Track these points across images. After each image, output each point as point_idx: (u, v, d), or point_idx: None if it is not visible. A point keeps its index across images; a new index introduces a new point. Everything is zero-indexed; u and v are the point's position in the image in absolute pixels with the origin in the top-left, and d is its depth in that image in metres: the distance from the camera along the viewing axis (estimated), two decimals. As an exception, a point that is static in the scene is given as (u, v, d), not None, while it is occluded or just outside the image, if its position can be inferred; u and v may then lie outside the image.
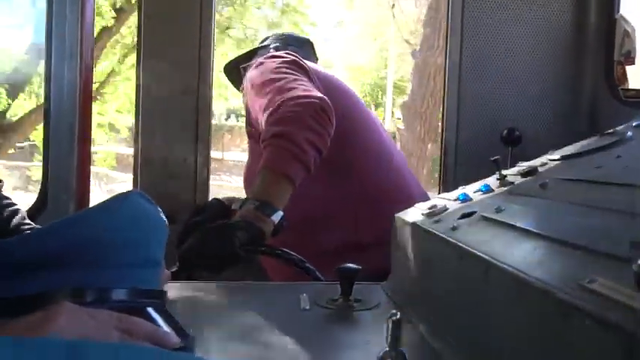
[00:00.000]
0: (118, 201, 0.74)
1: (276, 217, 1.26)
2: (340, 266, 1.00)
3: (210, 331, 0.86)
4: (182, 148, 1.89)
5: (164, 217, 0.80)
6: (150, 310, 0.75)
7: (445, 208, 0.98)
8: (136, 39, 1.93)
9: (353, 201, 1.52)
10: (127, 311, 0.69)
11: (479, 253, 0.69)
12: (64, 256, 0.69)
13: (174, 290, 1.04)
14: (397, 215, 1.10)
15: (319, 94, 1.40)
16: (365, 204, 1.52)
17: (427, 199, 1.74)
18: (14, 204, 1.11)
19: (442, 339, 0.77)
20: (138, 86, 1.90)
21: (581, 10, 1.92)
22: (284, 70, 1.52)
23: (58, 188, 1.68)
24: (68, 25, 1.71)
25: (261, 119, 1.43)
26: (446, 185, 1.93)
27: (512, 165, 1.80)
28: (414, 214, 1.05)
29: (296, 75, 1.52)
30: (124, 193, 0.76)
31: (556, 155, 1.04)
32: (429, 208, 0.99)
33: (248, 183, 1.64)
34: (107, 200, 0.75)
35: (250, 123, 1.60)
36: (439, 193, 1.96)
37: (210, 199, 1.93)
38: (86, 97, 1.73)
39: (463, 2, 1.91)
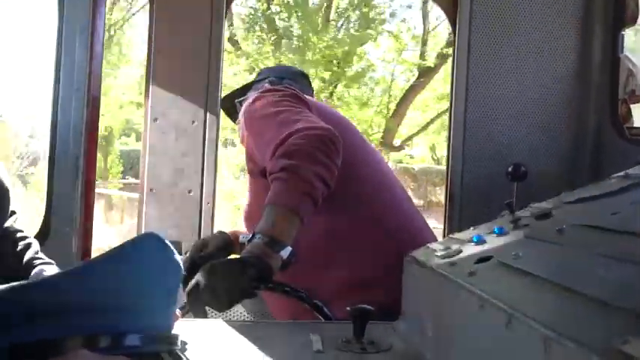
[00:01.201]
0: (133, 246, 0.73)
1: (285, 252, 1.25)
2: (353, 307, 0.99)
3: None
4: (188, 180, 1.89)
5: (179, 258, 0.79)
6: (164, 355, 0.74)
7: (459, 251, 0.98)
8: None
9: (356, 236, 1.51)
10: (140, 356, 0.68)
11: (500, 304, 0.68)
12: (80, 303, 0.68)
13: (182, 329, 1.02)
14: (410, 255, 1.09)
15: (325, 125, 1.41)
16: (368, 239, 1.51)
17: (431, 233, 1.75)
18: (27, 237, 1.11)
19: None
20: (146, 116, 1.91)
21: (585, 49, 1.96)
22: (285, 103, 1.53)
23: (61, 221, 1.67)
24: (77, 58, 1.72)
25: (266, 153, 1.43)
26: (451, 221, 1.93)
27: (518, 200, 1.82)
28: (427, 255, 1.04)
29: (298, 107, 1.52)
30: (139, 237, 0.75)
31: (570, 198, 1.04)
32: (443, 250, 0.98)
33: (249, 221, 1.63)
34: (122, 245, 0.74)
35: (251, 159, 1.60)
36: (444, 229, 1.97)
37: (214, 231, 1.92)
38: (92, 130, 1.74)
39: (469, 40, 1.94)
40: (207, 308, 1.34)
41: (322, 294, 1.31)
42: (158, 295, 0.75)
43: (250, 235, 1.28)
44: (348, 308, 0.99)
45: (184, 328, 1.03)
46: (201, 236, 1.88)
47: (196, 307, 1.21)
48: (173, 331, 0.80)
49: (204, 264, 1.73)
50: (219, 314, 1.29)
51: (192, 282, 1.24)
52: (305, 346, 0.99)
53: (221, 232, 1.88)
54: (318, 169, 1.31)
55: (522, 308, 0.64)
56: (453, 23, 2.00)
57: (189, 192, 1.89)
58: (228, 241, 1.84)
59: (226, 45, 5.79)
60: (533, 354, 0.60)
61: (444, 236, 1.93)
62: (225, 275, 1.19)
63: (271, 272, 1.24)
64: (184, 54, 1.90)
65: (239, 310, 1.89)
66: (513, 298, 0.69)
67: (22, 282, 0.75)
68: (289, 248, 1.26)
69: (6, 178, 0.95)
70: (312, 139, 1.33)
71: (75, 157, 1.69)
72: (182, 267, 0.81)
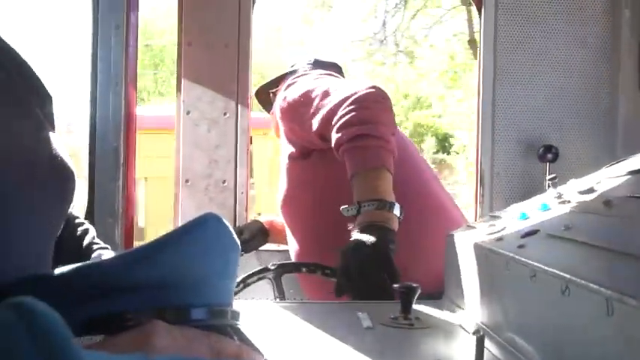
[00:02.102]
0: (197, 224, 0.77)
1: (397, 210, 1.28)
2: (401, 284, 1.01)
3: (279, 352, 0.88)
4: (222, 170, 1.92)
5: (237, 238, 0.82)
6: (228, 329, 0.77)
7: (504, 227, 0.99)
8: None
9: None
10: (206, 329, 0.72)
11: (555, 271, 0.70)
12: (150, 279, 0.71)
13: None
14: (453, 234, 1.11)
15: (369, 83, 1.43)
16: (406, 227, 1.53)
17: (463, 215, 1.76)
18: (84, 222, 1.15)
19: (518, 359, 0.78)
20: (179, 109, 1.95)
21: (615, 26, 1.94)
22: (320, 80, 1.56)
23: (103, 212, 1.72)
24: (113, 52, 1.77)
25: (308, 129, 1.44)
26: (482, 205, 1.94)
27: (552, 180, 1.83)
28: (470, 233, 1.06)
29: (333, 79, 1.54)
30: (201, 217, 0.79)
31: (611, 172, 1.05)
32: (489, 227, 1.00)
33: (288, 206, 1.66)
34: (186, 225, 0.77)
35: (290, 142, 1.61)
36: (476, 214, 1.98)
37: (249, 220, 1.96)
38: (130, 122, 1.78)
39: (496, 21, 1.94)
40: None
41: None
42: (220, 272, 0.78)
43: (353, 208, 1.28)
44: (394, 286, 1.02)
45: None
46: (237, 225, 1.92)
47: (347, 290, 1.22)
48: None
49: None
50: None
51: (344, 266, 1.24)
52: (354, 324, 1.01)
53: (256, 221, 1.92)
54: (384, 125, 1.34)
55: (578, 273, 0.66)
56: (478, 6, 2.01)
57: (224, 182, 1.93)
58: (263, 229, 1.88)
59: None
60: (593, 317, 0.62)
61: (475, 219, 1.94)
62: (376, 269, 1.21)
63: (395, 236, 1.26)
64: (214, 45, 1.93)
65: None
66: (567, 265, 0.70)
67: (96, 260, 0.78)
68: (397, 205, 1.28)
69: (70, 162, 0.98)
70: (366, 100, 1.35)
71: (114, 149, 1.73)
72: (239, 245, 0.84)
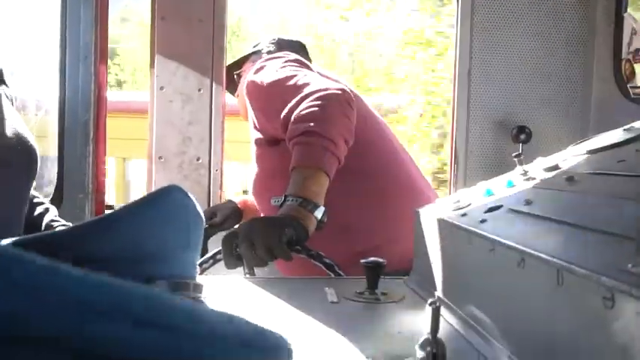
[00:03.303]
0: (158, 196, 0.76)
1: (319, 212, 1.28)
2: (366, 260, 1.03)
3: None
4: (196, 148, 1.91)
5: (201, 210, 0.82)
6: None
7: (469, 203, 1.01)
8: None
9: (368, 203, 1.55)
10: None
11: (512, 244, 0.71)
12: (108, 251, 0.71)
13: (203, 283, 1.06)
14: (419, 210, 1.12)
15: (337, 84, 1.42)
16: (379, 205, 1.55)
17: (436, 195, 1.78)
18: (43, 202, 1.13)
19: (476, 330, 0.79)
20: (152, 85, 1.92)
21: (588, 9, 1.96)
22: (290, 68, 1.54)
23: (73, 188, 1.70)
24: (83, 25, 1.73)
25: (277, 121, 1.44)
26: (456, 185, 1.96)
27: (525, 161, 1.85)
28: (437, 209, 1.08)
29: (303, 70, 1.53)
30: (163, 188, 0.78)
31: (577, 150, 1.07)
32: (454, 203, 1.01)
33: (258, 189, 1.66)
34: (147, 196, 0.77)
35: (258, 129, 1.61)
36: (449, 192, 2.00)
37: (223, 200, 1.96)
38: (100, 97, 1.76)
39: (472, 5, 1.94)
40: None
41: (336, 258, 1.34)
42: (183, 244, 0.77)
43: (281, 198, 1.30)
44: (361, 261, 1.03)
45: (203, 283, 1.07)
46: (211, 203, 1.91)
47: (230, 257, 1.23)
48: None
49: (212, 232, 1.77)
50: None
51: (229, 232, 1.26)
52: (320, 299, 1.02)
53: (230, 201, 1.91)
54: (338, 129, 1.33)
55: (534, 247, 0.67)
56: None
57: (198, 160, 1.92)
58: (238, 210, 1.87)
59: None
60: (546, 287, 0.63)
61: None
62: (265, 231, 1.21)
63: (307, 234, 1.27)
64: (188, 20, 1.90)
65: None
66: (524, 239, 0.72)
67: (49, 232, 0.78)
68: (322, 208, 1.29)
69: (34, 143, 0.97)
70: (328, 99, 1.35)
71: (84, 123, 1.71)
72: (203, 218, 0.84)
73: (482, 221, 0.86)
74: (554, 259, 0.61)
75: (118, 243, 0.70)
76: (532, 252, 0.66)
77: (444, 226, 0.97)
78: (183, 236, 0.77)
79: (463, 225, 0.88)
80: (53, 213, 1.15)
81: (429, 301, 0.66)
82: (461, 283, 0.90)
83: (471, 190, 1.14)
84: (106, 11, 1.77)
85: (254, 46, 1.94)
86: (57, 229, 1.12)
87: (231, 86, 1.94)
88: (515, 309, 0.71)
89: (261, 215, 1.69)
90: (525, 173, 1.04)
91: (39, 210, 1.13)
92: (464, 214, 0.95)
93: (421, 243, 1.10)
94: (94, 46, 1.76)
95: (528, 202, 0.83)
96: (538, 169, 1.05)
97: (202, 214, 0.81)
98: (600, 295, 0.52)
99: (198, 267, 1.05)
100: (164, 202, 0.75)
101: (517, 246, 0.70)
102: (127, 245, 0.71)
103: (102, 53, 1.76)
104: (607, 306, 0.51)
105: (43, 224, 1.13)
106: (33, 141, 0.97)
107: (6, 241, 0.69)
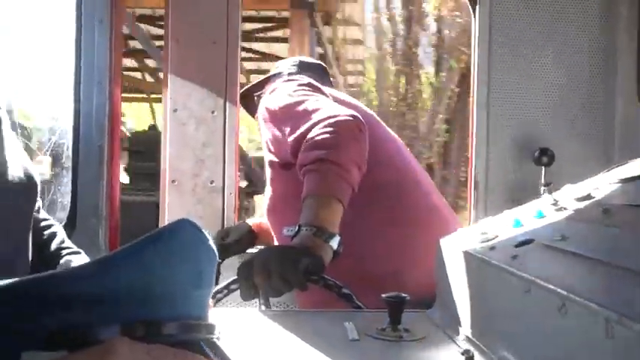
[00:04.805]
0: (168, 233, 0.71)
1: (334, 242, 1.24)
2: (388, 295, 0.97)
3: (260, 365, 0.83)
4: (209, 170, 1.87)
5: (213, 245, 0.78)
6: (202, 344, 0.73)
7: (496, 235, 0.95)
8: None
9: (385, 228, 1.49)
10: (178, 345, 0.67)
11: (552, 286, 0.65)
12: (115, 291, 0.66)
13: (213, 318, 1.01)
14: (442, 240, 1.06)
15: (348, 111, 1.39)
16: (395, 229, 1.49)
17: (458, 221, 1.72)
18: (52, 225, 1.09)
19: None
20: (165, 107, 1.89)
21: (610, 29, 1.90)
22: (302, 92, 1.51)
23: (87, 211, 1.67)
24: (97, 50, 1.71)
25: (288, 145, 1.40)
26: (476, 209, 1.90)
27: (547, 186, 1.78)
28: (461, 239, 1.02)
29: (316, 96, 1.50)
30: (172, 223, 0.74)
31: (609, 178, 1.01)
32: (481, 234, 0.95)
33: (272, 214, 1.62)
34: (156, 232, 0.72)
35: (270, 151, 1.58)
36: (470, 217, 1.93)
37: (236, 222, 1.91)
38: (115, 120, 1.73)
39: (490, 23, 1.89)
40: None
41: (353, 285, 1.29)
42: (194, 282, 0.73)
43: (295, 228, 1.26)
44: (382, 296, 0.97)
45: (215, 316, 1.02)
46: (224, 227, 1.87)
47: (246, 288, 1.19)
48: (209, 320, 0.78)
49: (224, 254, 1.73)
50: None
51: (245, 261, 1.21)
52: (340, 335, 0.97)
53: (244, 223, 1.87)
54: (350, 155, 1.29)
55: (576, 290, 0.62)
56: (473, 5, 1.96)
57: (212, 182, 1.88)
58: (251, 232, 1.83)
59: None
60: (591, 337, 0.57)
61: (469, 222, 1.90)
62: (281, 261, 1.17)
63: (323, 265, 1.23)
64: (202, 42, 1.88)
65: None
66: (564, 280, 0.66)
67: (55, 270, 0.73)
68: (337, 237, 1.25)
69: (32, 168, 0.94)
70: (339, 126, 1.32)
71: (99, 148, 1.68)
72: (217, 254, 0.79)
73: (514, 257, 0.80)
74: (602, 308, 0.55)
75: (123, 283, 0.66)
76: (576, 298, 0.60)
77: (471, 260, 0.91)
78: (195, 275, 0.72)
79: (493, 261, 0.82)
80: (61, 237, 1.11)
81: (462, 349, 0.60)
82: (491, 323, 0.84)
83: (496, 219, 1.08)
84: (121, 35, 1.75)
85: (275, 67, 1.92)
86: (64, 257, 1.08)
87: (252, 108, 1.91)
88: (554, 353, 0.65)
89: (275, 239, 1.65)
90: (556, 203, 0.98)
91: (46, 235, 1.09)
92: (492, 248, 0.89)
93: (444, 275, 1.05)
94: (109, 71, 1.73)
95: (564, 238, 0.77)
96: (569, 198, 0.99)
97: (215, 249, 0.76)
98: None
99: (211, 301, 1.00)
100: (174, 238, 0.70)
101: (558, 289, 0.64)
102: (133, 286, 0.66)
103: (116, 77, 1.74)
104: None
105: (52, 249, 1.09)
106: (31, 165, 0.94)
107: (10, 281, 0.65)
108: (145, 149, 4.99)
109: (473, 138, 1.93)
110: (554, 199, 0.99)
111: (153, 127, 6.04)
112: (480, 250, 0.90)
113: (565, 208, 0.95)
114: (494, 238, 0.93)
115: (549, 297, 0.65)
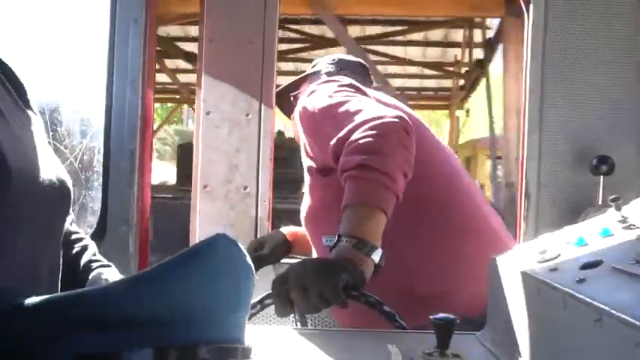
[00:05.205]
0: (204, 250, 0.69)
1: (376, 255, 1.20)
2: (436, 317, 0.92)
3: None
4: (243, 176, 1.85)
5: (251, 262, 0.75)
6: (237, 368, 0.70)
7: (558, 254, 0.90)
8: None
9: (432, 241, 1.45)
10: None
11: (628, 318, 0.60)
12: (147, 312, 0.64)
13: (248, 336, 0.99)
14: (496, 258, 1.02)
15: (394, 112, 1.35)
16: (447, 244, 1.45)
17: (510, 236, 1.66)
18: (83, 238, 1.09)
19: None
20: (198, 109, 1.89)
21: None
22: (344, 92, 1.48)
23: (117, 219, 1.67)
24: (131, 50, 1.72)
25: (328, 149, 1.37)
26: (527, 222, 1.82)
27: (605, 197, 1.70)
28: (518, 258, 0.97)
29: (359, 96, 1.47)
30: (209, 239, 0.71)
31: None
32: (540, 253, 0.90)
33: (310, 222, 1.59)
34: (192, 247, 0.70)
35: (309, 156, 1.55)
36: (519, 231, 1.87)
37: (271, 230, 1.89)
38: (147, 126, 1.73)
39: (545, 23, 1.82)
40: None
41: (396, 304, 1.25)
42: (231, 304, 0.70)
43: (334, 238, 1.23)
44: (430, 317, 0.93)
45: (250, 334, 0.99)
46: (258, 235, 1.85)
47: (281, 304, 1.16)
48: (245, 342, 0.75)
49: (259, 266, 1.71)
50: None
51: (280, 275, 1.18)
52: (383, 359, 0.93)
53: (278, 232, 1.85)
54: (395, 161, 1.25)
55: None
56: (526, 4, 1.89)
57: (245, 189, 1.86)
58: (286, 242, 1.81)
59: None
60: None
61: (517, 237, 1.83)
62: (319, 276, 1.13)
63: (364, 280, 1.19)
64: (237, 42, 1.87)
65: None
66: (642, 311, 0.61)
67: (84, 289, 0.72)
68: (380, 250, 1.21)
69: (65, 174, 0.93)
70: (384, 129, 1.28)
71: (130, 152, 1.68)
72: (254, 270, 0.76)
73: (580, 281, 0.75)
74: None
75: (156, 305, 0.64)
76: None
77: (530, 281, 0.86)
78: (232, 295, 0.70)
79: (556, 284, 0.77)
80: (92, 251, 1.11)
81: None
82: (552, 353, 0.79)
83: (556, 236, 1.02)
84: (154, 34, 1.75)
85: (312, 66, 1.89)
86: (95, 270, 1.07)
87: (288, 108, 1.89)
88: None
89: (313, 250, 1.62)
90: (624, 220, 0.92)
91: (76, 248, 1.09)
92: (554, 269, 0.84)
93: (498, 296, 1.00)
94: (142, 70, 1.74)
95: (638, 261, 0.72)
96: (639, 215, 0.92)
97: (252, 266, 0.74)
98: None
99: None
100: (210, 256, 0.68)
101: (635, 321, 0.59)
102: (167, 307, 0.64)
103: (149, 77, 1.74)
104: None
105: (82, 263, 1.08)
106: (63, 171, 0.93)
107: (36, 300, 0.64)
108: (286, 155, 4.95)
109: (524, 145, 1.87)
110: (622, 216, 0.93)
111: (280, 133, 6.08)
112: (540, 271, 0.85)
113: (635, 226, 0.89)
114: (555, 258, 0.88)
115: (624, 329, 0.60)
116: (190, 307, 0.67)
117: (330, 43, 7.13)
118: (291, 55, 7.81)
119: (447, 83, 9.92)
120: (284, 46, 7.26)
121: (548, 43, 1.83)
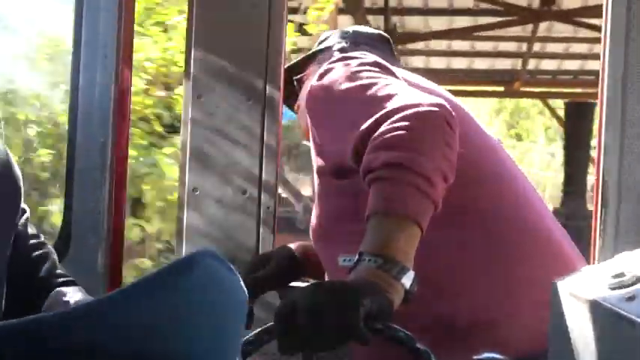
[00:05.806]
0: (186, 265, 0.71)
1: (407, 279, 1.20)
2: (481, 357, 0.94)
3: None
4: (242, 177, 1.87)
5: (243, 285, 0.77)
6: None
7: (635, 279, 0.90)
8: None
9: (478, 261, 1.46)
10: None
11: None
12: (114, 344, 0.66)
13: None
14: (560, 283, 1.03)
15: (433, 99, 1.37)
16: (497, 266, 1.46)
17: (580, 254, 1.65)
18: (44, 244, 1.12)
19: None
20: (187, 92, 1.90)
21: None
22: (367, 73, 1.49)
23: (83, 227, 1.70)
24: (102, 16, 1.75)
25: (348, 144, 1.39)
26: (604, 237, 1.82)
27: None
28: (586, 282, 0.98)
29: (386, 78, 1.48)
30: (190, 257, 0.73)
31: None
32: (615, 277, 0.91)
33: (323, 238, 1.62)
34: (170, 268, 0.72)
35: (320, 154, 1.56)
36: (594, 247, 1.86)
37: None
38: (122, 109, 1.76)
39: (628, 16, 1.81)
40: None
41: (431, 339, 1.26)
42: (214, 334, 0.72)
43: (354, 257, 1.24)
44: (474, 358, 0.95)
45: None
46: (260, 251, 1.86)
47: (286, 338, 1.17)
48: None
49: (258, 289, 1.72)
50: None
51: (286, 303, 1.20)
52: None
53: (284, 247, 1.86)
54: (434, 160, 1.26)
55: None
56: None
57: (244, 193, 1.88)
58: (295, 261, 1.82)
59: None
60: None
61: (592, 256, 1.83)
62: (335, 304, 1.14)
63: (391, 309, 1.19)
64: (236, 7, 1.89)
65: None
66: None
67: (40, 315, 0.74)
68: (411, 272, 1.21)
69: (17, 170, 0.96)
70: (420, 119, 1.29)
71: (101, 145, 1.71)
72: (247, 294, 0.78)
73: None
74: None
75: (123, 335, 0.66)
76: None
77: (601, 312, 0.88)
78: (218, 323, 0.72)
79: (632, 316, 0.78)
80: (52, 261, 1.14)
81: None
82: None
83: (634, 256, 1.03)
84: (133, 2, 1.78)
85: (320, 42, 1.90)
86: (58, 287, 1.10)
87: (291, 96, 1.90)
88: None
89: (325, 271, 1.63)
90: None
91: (35, 255, 1.12)
92: (631, 297, 0.85)
93: (560, 329, 1.01)
94: (117, 43, 1.76)
95: None
96: None
97: (246, 291, 0.75)
98: None
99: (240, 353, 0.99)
100: (193, 276, 0.70)
101: None
102: (136, 339, 0.66)
103: (126, 52, 1.77)
104: None
105: (41, 274, 1.11)
106: (14, 165, 0.96)
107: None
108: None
109: (601, 145, 1.86)
110: None
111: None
112: (614, 299, 0.87)
113: None
114: (633, 284, 0.89)
115: None
116: (166, 343, 0.69)
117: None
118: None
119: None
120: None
121: (633, 23, 1.82)
